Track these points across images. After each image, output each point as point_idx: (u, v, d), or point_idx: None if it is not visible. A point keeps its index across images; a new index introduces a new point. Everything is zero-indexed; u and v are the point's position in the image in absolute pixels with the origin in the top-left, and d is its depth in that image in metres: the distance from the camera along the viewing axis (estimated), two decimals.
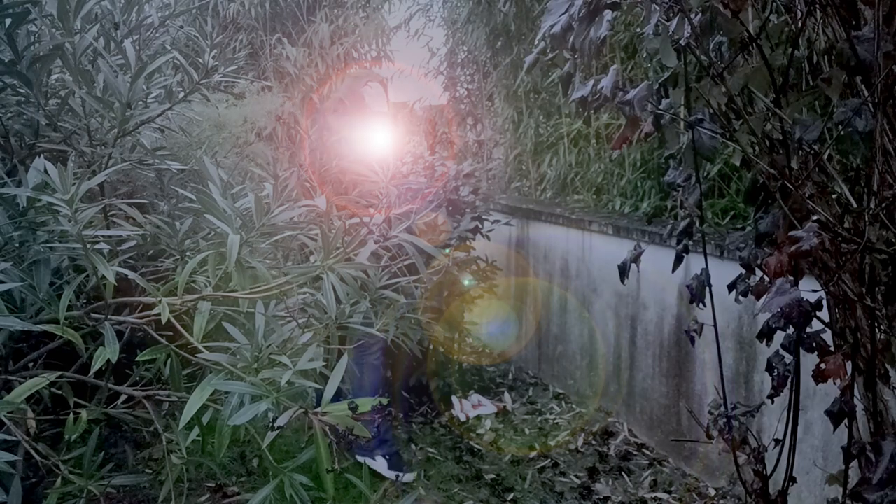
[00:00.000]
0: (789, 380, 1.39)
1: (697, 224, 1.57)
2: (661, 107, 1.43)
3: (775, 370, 1.39)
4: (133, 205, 1.55)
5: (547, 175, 4.45)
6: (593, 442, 3.26)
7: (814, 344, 1.31)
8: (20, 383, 1.24)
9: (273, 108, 3.67)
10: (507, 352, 4.49)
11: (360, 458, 2.80)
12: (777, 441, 1.46)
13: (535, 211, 4.15)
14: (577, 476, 2.95)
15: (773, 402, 1.40)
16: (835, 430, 1.29)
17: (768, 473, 1.48)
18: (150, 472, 2.18)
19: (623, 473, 2.96)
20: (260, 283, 1.34)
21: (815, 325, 1.31)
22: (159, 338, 1.33)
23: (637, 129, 1.42)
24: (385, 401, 1.43)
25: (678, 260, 1.63)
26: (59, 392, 1.49)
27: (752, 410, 1.50)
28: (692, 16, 1.27)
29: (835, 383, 1.23)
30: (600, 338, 3.55)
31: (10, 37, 1.36)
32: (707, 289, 1.56)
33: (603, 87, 1.40)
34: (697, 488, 2.81)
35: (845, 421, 1.28)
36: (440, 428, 3.40)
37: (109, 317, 1.31)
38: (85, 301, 1.48)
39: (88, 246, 1.20)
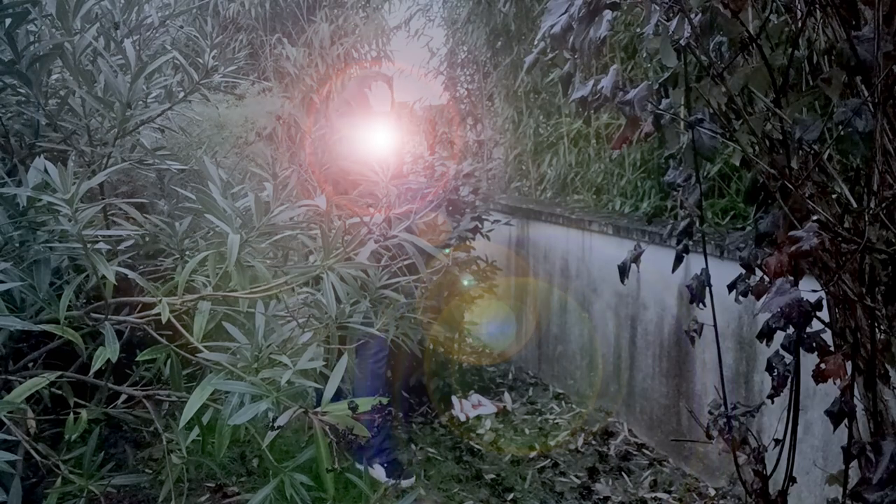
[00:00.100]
0: (789, 380, 1.39)
1: (697, 224, 1.57)
2: (661, 107, 1.43)
3: (775, 370, 1.39)
4: (133, 204, 1.55)
5: (547, 175, 4.45)
6: (593, 442, 3.26)
7: (814, 344, 1.31)
8: (20, 383, 1.24)
9: (273, 108, 3.67)
10: (506, 352, 4.49)
11: (358, 467, 2.80)
12: (777, 441, 1.46)
13: (535, 211, 4.15)
14: (577, 476, 2.95)
15: (773, 402, 1.40)
16: (835, 430, 1.29)
17: (768, 473, 1.48)
18: (150, 471, 2.18)
19: (623, 473, 2.96)
20: (260, 282, 1.34)
21: (815, 325, 1.31)
22: (159, 337, 1.33)
23: (637, 129, 1.42)
24: (385, 400, 1.43)
25: (678, 260, 1.63)
26: (59, 392, 1.49)
27: (752, 410, 1.50)
28: (692, 16, 1.27)
29: (835, 383, 1.23)
30: (600, 338, 3.55)
31: (10, 36, 1.36)
32: (707, 289, 1.56)
33: (603, 87, 1.40)
34: (697, 488, 2.81)
35: (845, 421, 1.28)
36: (440, 428, 3.40)
37: (109, 316, 1.31)
38: (85, 301, 1.48)
39: (88, 246, 1.20)
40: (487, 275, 3.64)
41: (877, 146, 1.10)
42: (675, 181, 1.53)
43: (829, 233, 1.14)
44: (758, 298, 1.38)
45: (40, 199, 1.23)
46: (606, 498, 2.77)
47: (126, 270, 1.35)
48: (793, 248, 1.07)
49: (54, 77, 1.67)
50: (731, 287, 1.53)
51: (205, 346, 1.22)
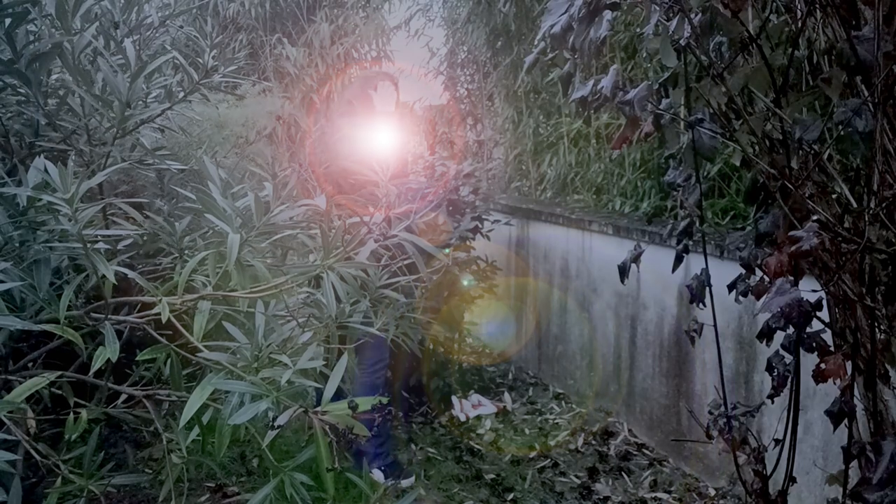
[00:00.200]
0: (789, 380, 1.39)
1: (697, 224, 1.57)
2: (661, 107, 1.43)
3: (775, 370, 1.39)
4: (133, 204, 1.55)
5: (547, 175, 4.45)
6: (593, 442, 3.26)
7: (814, 344, 1.31)
8: (20, 383, 1.24)
9: (273, 108, 3.67)
10: (506, 352, 4.49)
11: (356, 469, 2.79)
12: (777, 441, 1.46)
13: (535, 211, 4.15)
14: (577, 476, 2.95)
15: (773, 402, 1.40)
16: (835, 430, 1.29)
17: (768, 473, 1.48)
18: (150, 471, 2.18)
19: (623, 473, 2.96)
20: (260, 282, 1.34)
21: (815, 325, 1.31)
22: (159, 337, 1.33)
23: (637, 129, 1.42)
24: (385, 400, 1.43)
25: (678, 260, 1.63)
26: (59, 392, 1.49)
27: (752, 410, 1.50)
28: (692, 16, 1.27)
29: (835, 383, 1.23)
30: (600, 338, 3.55)
31: (10, 36, 1.36)
32: (707, 289, 1.56)
33: (603, 87, 1.40)
34: (697, 488, 2.81)
35: (845, 421, 1.28)
36: (440, 428, 3.40)
37: (109, 316, 1.31)
38: (85, 300, 1.48)
39: (88, 245, 1.20)
40: (487, 275, 3.64)
41: (877, 146, 1.10)
42: (675, 181, 1.53)
43: (829, 233, 1.15)
44: (758, 298, 1.38)
45: (40, 199, 1.23)
46: (606, 498, 2.77)
47: (126, 270, 1.35)
48: (793, 248, 1.07)
49: (54, 77, 1.67)
50: (731, 287, 1.53)
51: (205, 346, 1.22)
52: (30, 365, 1.46)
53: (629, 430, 3.32)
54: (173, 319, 1.25)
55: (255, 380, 1.14)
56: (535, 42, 1.89)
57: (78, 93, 1.48)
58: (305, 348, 1.27)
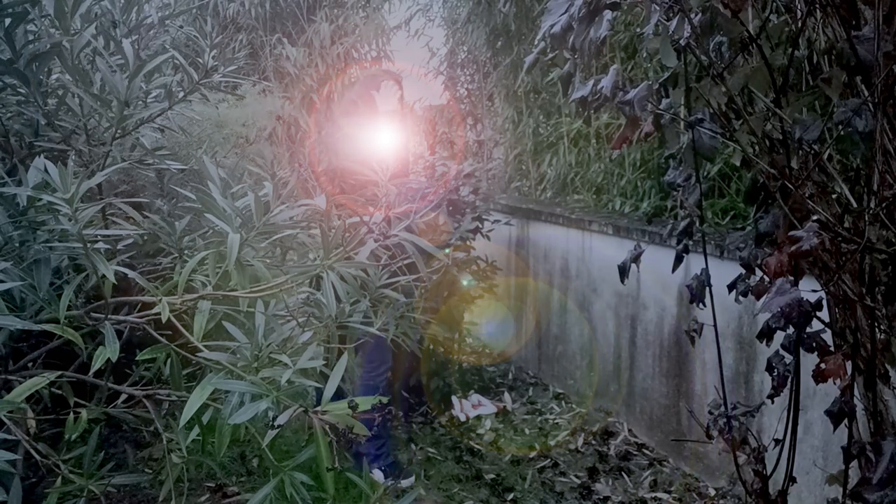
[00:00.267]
0: (789, 380, 1.39)
1: (697, 224, 1.57)
2: (661, 107, 1.43)
3: (775, 370, 1.39)
4: (133, 204, 1.55)
5: (547, 175, 4.45)
6: (593, 442, 3.26)
7: (814, 344, 1.31)
8: (20, 383, 1.24)
9: (273, 108, 3.67)
10: (506, 352, 4.49)
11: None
12: (777, 441, 1.46)
13: (535, 211, 4.15)
14: (577, 476, 2.95)
15: (773, 402, 1.40)
16: (835, 430, 1.29)
17: (768, 473, 1.48)
18: (150, 471, 2.18)
19: (623, 473, 2.96)
20: (260, 282, 1.34)
21: (815, 325, 1.31)
22: (159, 337, 1.33)
23: (637, 129, 1.42)
24: (385, 399, 1.43)
25: (678, 260, 1.63)
26: (59, 392, 1.49)
27: (752, 410, 1.50)
28: (692, 16, 1.27)
29: (835, 383, 1.23)
30: (600, 338, 3.55)
31: (9, 36, 1.36)
32: (707, 289, 1.56)
33: (603, 87, 1.40)
34: (697, 488, 2.81)
35: (845, 421, 1.28)
36: (440, 428, 3.40)
37: (109, 316, 1.31)
38: (84, 300, 1.48)
39: (88, 245, 1.20)
40: (487, 275, 3.64)
41: (877, 146, 1.10)
42: (675, 181, 1.53)
43: (829, 233, 1.14)
44: (758, 298, 1.38)
45: (40, 199, 1.23)
46: (606, 498, 2.77)
47: (126, 270, 1.35)
48: (793, 248, 1.07)
49: (54, 77, 1.67)
50: (731, 287, 1.53)
51: (205, 346, 1.22)
52: (30, 365, 1.46)
53: (629, 430, 3.33)
54: (173, 319, 1.25)
55: (255, 379, 1.14)
56: (535, 42, 1.89)
57: (76, 93, 1.48)
58: (305, 348, 1.27)
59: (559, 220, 3.86)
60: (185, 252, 1.49)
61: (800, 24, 1.25)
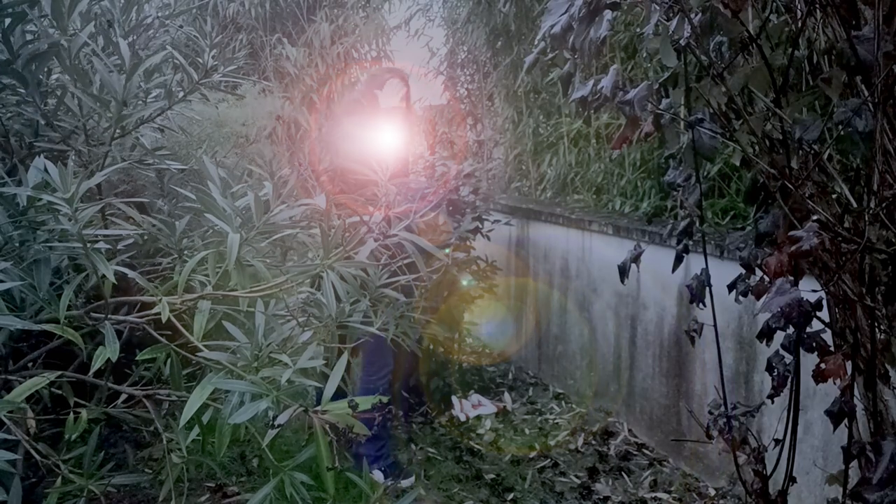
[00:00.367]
0: (789, 380, 1.39)
1: (697, 224, 1.57)
2: (661, 107, 1.43)
3: (775, 370, 1.39)
4: (133, 204, 1.55)
5: (547, 175, 4.45)
6: (593, 442, 3.26)
7: (814, 344, 1.31)
8: (20, 383, 1.24)
9: (273, 108, 3.67)
10: (506, 352, 4.49)
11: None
12: (777, 441, 1.46)
13: (535, 211, 4.15)
14: (577, 476, 2.95)
15: (773, 402, 1.40)
16: (835, 430, 1.29)
17: (768, 473, 1.48)
18: (150, 471, 2.18)
19: (623, 473, 2.96)
20: (260, 281, 1.34)
21: (815, 325, 1.31)
22: (159, 337, 1.33)
23: (637, 129, 1.42)
24: (385, 399, 1.43)
25: (678, 260, 1.63)
26: (59, 392, 1.49)
27: (752, 410, 1.50)
28: (692, 16, 1.27)
29: (835, 383, 1.23)
30: (600, 338, 3.55)
31: (6, 36, 1.36)
32: (707, 289, 1.56)
33: (603, 87, 1.40)
34: (697, 488, 2.81)
35: (845, 421, 1.28)
36: (440, 428, 3.40)
37: (109, 316, 1.31)
38: (84, 300, 1.48)
39: (88, 245, 1.20)
40: (487, 275, 3.64)
41: (877, 146, 1.10)
42: (675, 181, 1.53)
43: (829, 233, 1.14)
44: (758, 298, 1.38)
45: (40, 199, 1.23)
46: (606, 498, 2.77)
47: (126, 270, 1.35)
48: (793, 247, 1.07)
49: (55, 77, 1.67)
50: (731, 287, 1.53)
51: (205, 346, 1.22)
52: (30, 365, 1.46)
53: (629, 430, 3.32)
54: (173, 319, 1.25)
55: (255, 379, 1.14)
56: (535, 42, 1.89)
57: (74, 92, 1.47)
58: (305, 348, 1.27)
59: (559, 220, 3.86)
60: (185, 252, 1.49)
61: (800, 24, 1.26)
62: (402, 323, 1.65)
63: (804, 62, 1.35)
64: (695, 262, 2.32)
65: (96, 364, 1.21)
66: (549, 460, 3.08)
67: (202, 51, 1.63)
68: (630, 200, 3.62)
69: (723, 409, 1.52)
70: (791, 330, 1.32)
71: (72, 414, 1.43)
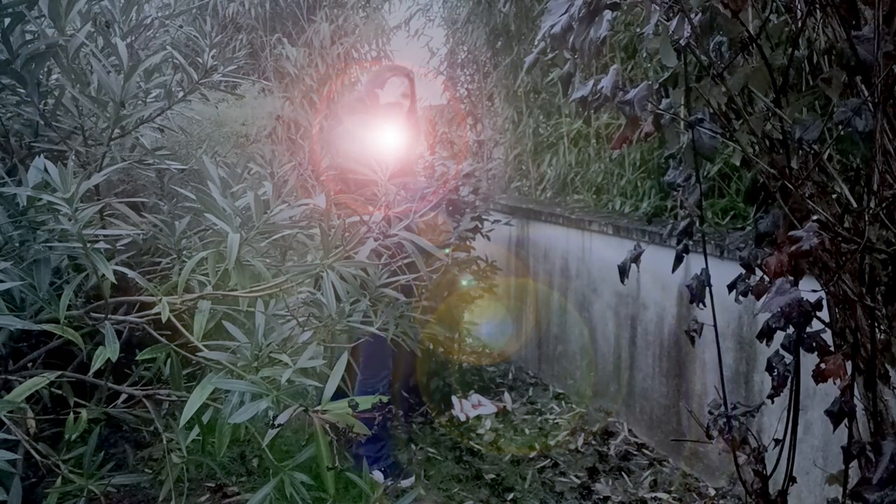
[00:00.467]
0: (789, 380, 1.39)
1: (697, 224, 1.57)
2: (661, 107, 1.43)
3: (775, 370, 1.39)
4: (132, 204, 1.55)
5: (547, 175, 4.45)
6: (593, 442, 3.26)
7: (814, 344, 1.31)
8: (20, 383, 1.24)
9: (273, 108, 3.67)
10: (506, 352, 4.49)
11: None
12: (777, 441, 1.46)
13: (535, 211, 4.15)
14: (577, 476, 2.95)
15: (773, 402, 1.40)
16: (835, 430, 1.29)
17: (768, 473, 1.48)
18: (150, 471, 2.18)
19: (623, 473, 2.96)
20: (259, 281, 1.34)
21: (816, 325, 1.31)
22: (159, 337, 1.33)
23: (637, 128, 1.42)
24: (385, 398, 1.43)
25: (678, 260, 1.63)
26: (59, 392, 1.49)
27: (752, 410, 1.50)
28: (692, 16, 1.27)
29: (835, 383, 1.23)
30: (600, 338, 3.55)
31: (5, 36, 1.36)
32: (707, 289, 1.56)
33: (603, 87, 1.40)
34: (697, 488, 2.81)
35: (845, 421, 1.28)
36: (440, 428, 3.40)
37: (109, 316, 1.31)
38: (84, 300, 1.48)
39: (88, 245, 1.20)
40: (487, 274, 3.64)
41: (877, 146, 1.10)
42: (675, 181, 1.53)
43: (829, 233, 1.14)
44: (758, 298, 1.38)
45: (40, 199, 1.23)
46: (606, 498, 2.77)
47: (126, 269, 1.35)
48: (793, 247, 1.07)
49: (54, 77, 1.67)
50: (731, 287, 1.53)
51: (205, 345, 1.22)
52: (30, 365, 1.46)
53: (629, 430, 3.33)
54: (173, 319, 1.25)
55: (255, 379, 1.14)
56: (535, 42, 1.89)
57: (71, 92, 1.47)
58: (305, 347, 1.27)
59: (559, 220, 3.86)
60: (185, 252, 1.49)
61: (800, 24, 1.26)
62: (402, 323, 1.65)
63: (804, 62, 1.35)
64: (695, 262, 2.32)
65: (96, 364, 1.21)
66: (549, 460, 3.08)
67: (202, 51, 1.63)
68: (630, 200, 3.62)
69: (723, 409, 1.52)
70: (791, 330, 1.32)
71: (72, 414, 1.43)
